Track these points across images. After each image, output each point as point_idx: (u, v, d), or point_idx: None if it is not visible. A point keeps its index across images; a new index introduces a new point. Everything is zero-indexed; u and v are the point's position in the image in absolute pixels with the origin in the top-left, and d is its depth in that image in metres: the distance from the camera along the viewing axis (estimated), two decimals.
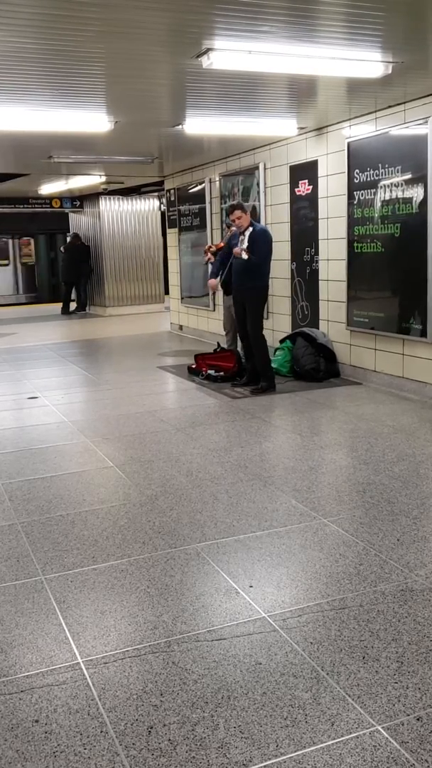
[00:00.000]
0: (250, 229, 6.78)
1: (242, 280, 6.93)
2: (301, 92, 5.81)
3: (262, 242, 6.78)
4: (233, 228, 7.05)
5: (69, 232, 17.26)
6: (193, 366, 8.07)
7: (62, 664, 2.54)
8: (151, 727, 2.19)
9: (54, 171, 11.02)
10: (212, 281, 7.45)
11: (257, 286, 6.93)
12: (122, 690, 2.38)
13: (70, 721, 2.23)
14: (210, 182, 10.25)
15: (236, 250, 6.78)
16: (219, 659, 2.53)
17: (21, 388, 7.68)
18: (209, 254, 8.13)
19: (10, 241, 21.47)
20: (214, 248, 8.29)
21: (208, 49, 4.30)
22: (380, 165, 6.54)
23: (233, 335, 8.43)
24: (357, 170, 6.87)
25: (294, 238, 8.16)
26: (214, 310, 10.31)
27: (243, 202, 8.12)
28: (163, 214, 14.96)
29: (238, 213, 6.82)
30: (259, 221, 8.48)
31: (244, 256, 6.63)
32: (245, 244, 6.71)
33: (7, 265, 21.33)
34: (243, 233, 6.80)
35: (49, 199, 15.94)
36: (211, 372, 7.63)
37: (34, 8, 3.54)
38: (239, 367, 7.52)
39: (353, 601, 2.90)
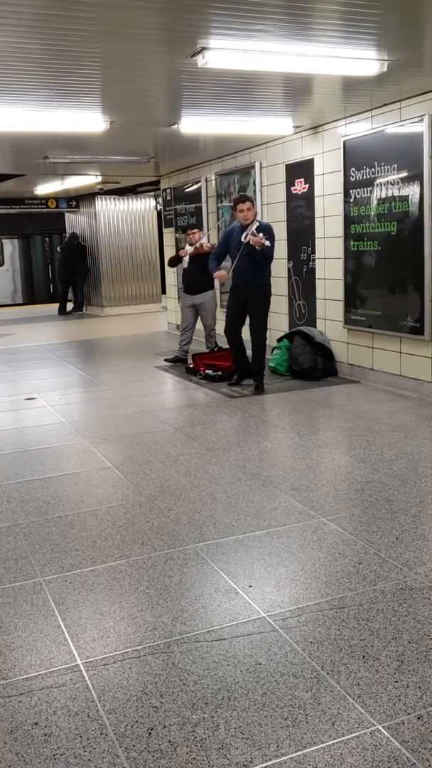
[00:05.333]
0: (256, 223, 6.68)
1: (250, 277, 6.74)
2: (296, 91, 5.81)
3: (272, 234, 6.68)
4: (187, 248, 7.84)
5: (65, 232, 17.23)
6: (191, 365, 8.07)
7: (61, 666, 2.53)
8: (152, 729, 2.18)
9: (50, 171, 11.00)
10: (221, 273, 7.04)
11: (266, 285, 6.89)
12: (122, 691, 2.37)
13: (69, 723, 2.23)
14: (206, 181, 10.24)
15: (255, 239, 6.38)
16: (219, 660, 2.52)
17: (18, 389, 7.67)
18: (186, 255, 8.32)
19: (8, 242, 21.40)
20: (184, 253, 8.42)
21: (204, 48, 4.29)
22: (376, 163, 6.53)
23: (191, 335, 8.55)
24: (353, 168, 6.86)
25: (290, 236, 8.15)
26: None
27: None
28: (159, 213, 14.96)
29: (248, 204, 6.69)
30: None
31: (267, 243, 6.41)
32: (260, 234, 6.42)
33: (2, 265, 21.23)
34: (247, 227, 6.61)
35: (45, 200, 15.92)
36: (209, 371, 7.63)
37: (29, 8, 3.53)
38: (237, 366, 7.51)
39: (353, 600, 2.90)
